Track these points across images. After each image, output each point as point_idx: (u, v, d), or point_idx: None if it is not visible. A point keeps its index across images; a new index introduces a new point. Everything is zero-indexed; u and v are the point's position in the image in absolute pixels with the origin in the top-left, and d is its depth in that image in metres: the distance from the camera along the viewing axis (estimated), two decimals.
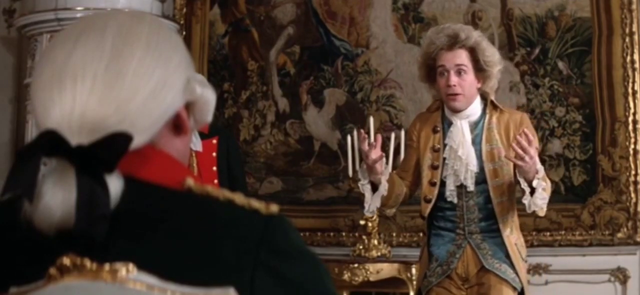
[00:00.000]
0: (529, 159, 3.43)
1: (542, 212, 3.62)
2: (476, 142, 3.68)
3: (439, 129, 3.75)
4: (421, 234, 5.39)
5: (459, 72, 3.64)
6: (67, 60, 1.14)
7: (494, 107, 3.72)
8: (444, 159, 3.69)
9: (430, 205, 3.71)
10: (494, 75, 3.70)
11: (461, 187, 3.67)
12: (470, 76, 3.65)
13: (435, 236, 3.74)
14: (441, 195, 3.70)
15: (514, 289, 3.62)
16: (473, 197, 3.66)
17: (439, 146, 3.72)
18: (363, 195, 5.01)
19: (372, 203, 3.67)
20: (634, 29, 5.15)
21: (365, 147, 3.58)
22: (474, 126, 3.71)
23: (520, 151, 3.44)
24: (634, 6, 5.15)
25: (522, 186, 3.53)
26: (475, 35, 3.68)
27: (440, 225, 3.73)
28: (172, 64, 1.19)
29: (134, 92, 1.14)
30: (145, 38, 1.18)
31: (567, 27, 5.30)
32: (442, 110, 3.77)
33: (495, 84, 3.74)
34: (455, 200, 3.67)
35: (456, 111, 3.69)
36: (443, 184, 3.69)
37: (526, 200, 3.54)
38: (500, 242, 3.64)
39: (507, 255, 3.63)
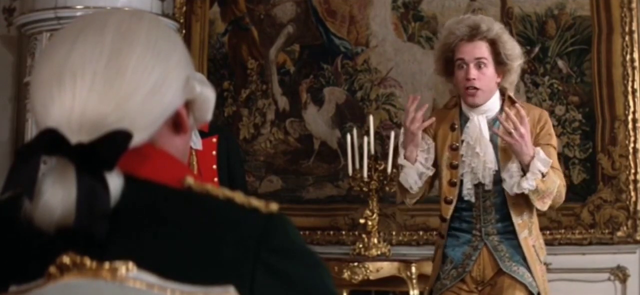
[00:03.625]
0: (518, 137, 3.33)
1: (542, 206, 3.46)
2: (494, 140, 3.53)
3: (456, 126, 3.60)
4: (421, 233, 5.41)
5: (478, 65, 3.49)
6: (66, 59, 1.14)
7: (512, 102, 3.58)
8: (461, 156, 3.55)
9: (451, 207, 3.57)
10: (515, 69, 3.56)
11: (479, 187, 3.53)
12: (490, 70, 3.51)
13: (450, 237, 3.60)
14: (460, 195, 3.56)
15: (530, 292, 3.48)
16: (490, 197, 3.53)
17: (457, 144, 3.57)
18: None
19: (412, 177, 3.55)
20: (634, 27, 5.15)
21: (413, 110, 3.48)
22: (492, 123, 3.56)
23: (508, 125, 3.34)
24: (633, 5, 5.15)
25: (508, 170, 3.41)
26: (497, 28, 3.54)
27: (455, 226, 3.59)
28: (171, 62, 1.19)
29: (133, 90, 1.14)
30: (145, 36, 1.18)
31: (566, 26, 5.29)
32: (460, 106, 3.62)
33: (515, 79, 3.61)
34: (473, 200, 3.53)
35: (474, 106, 3.55)
36: (461, 183, 3.56)
37: (508, 181, 3.41)
38: (516, 244, 3.51)
39: (524, 258, 3.50)
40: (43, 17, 5.26)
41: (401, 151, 3.61)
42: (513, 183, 3.42)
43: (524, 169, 3.41)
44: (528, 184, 3.38)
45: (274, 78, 5.84)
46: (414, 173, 3.56)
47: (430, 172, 3.59)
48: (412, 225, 5.46)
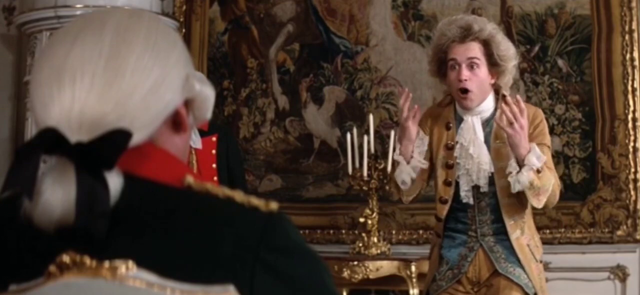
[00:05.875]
0: (518, 128, 3.29)
1: (538, 203, 3.41)
2: (488, 140, 3.51)
3: (451, 125, 3.57)
4: (421, 232, 5.41)
5: (471, 66, 3.45)
6: (65, 58, 1.14)
7: (506, 102, 3.50)
8: (456, 157, 3.52)
9: (447, 206, 3.54)
10: (509, 70, 3.50)
11: (474, 188, 3.50)
12: (483, 70, 3.47)
13: (446, 238, 3.58)
14: (455, 195, 3.53)
15: (526, 293, 3.46)
16: (485, 198, 3.50)
17: (452, 143, 3.54)
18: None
19: (405, 172, 3.51)
20: (634, 26, 5.14)
21: (406, 106, 3.46)
22: (485, 123, 3.53)
23: (509, 115, 3.30)
24: (633, 4, 5.15)
25: (510, 166, 3.36)
26: (490, 28, 3.50)
27: (451, 227, 3.57)
28: (170, 61, 1.19)
29: (132, 89, 1.14)
30: (144, 35, 1.18)
31: (566, 25, 5.29)
32: (454, 105, 3.59)
33: (510, 79, 3.56)
34: (471, 201, 3.50)
35: (467, 109, 3.52)
36: (457, 184, 3.52)
37: (511, 178, 3.35)
38: (509, 245, 3.49)
39: (519, 259, 3.47)
40: (43, 16, 5.27)
41: (397, 147, 3.59)
42: (514, 180, 3.37)
43: (519, 164, 3.37)
44: (524, 178, 3.33)
45: (273, 77, 5.83)
46: (408, 169, 3.52)
47: (424, 166, 3.55)
48: (411, 224, 5.46)
